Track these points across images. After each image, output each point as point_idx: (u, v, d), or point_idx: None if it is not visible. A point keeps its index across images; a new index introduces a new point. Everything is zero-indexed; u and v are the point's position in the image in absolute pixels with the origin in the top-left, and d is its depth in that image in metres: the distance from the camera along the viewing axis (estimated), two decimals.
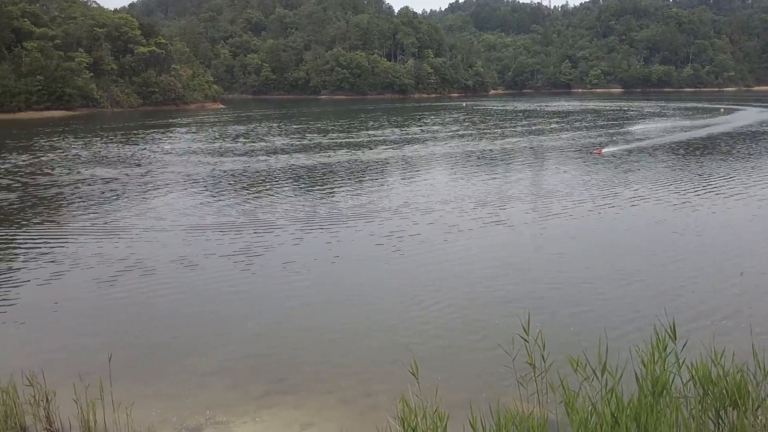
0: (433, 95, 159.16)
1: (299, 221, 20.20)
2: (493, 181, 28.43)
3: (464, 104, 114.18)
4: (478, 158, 37.22)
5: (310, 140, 48.67)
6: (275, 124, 66.03)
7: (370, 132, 56.03)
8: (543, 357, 5.47)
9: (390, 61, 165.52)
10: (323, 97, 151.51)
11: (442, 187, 26.74)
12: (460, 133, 55.04)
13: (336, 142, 46.52)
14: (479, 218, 20.45)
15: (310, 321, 11.80)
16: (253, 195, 25.44)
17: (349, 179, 29.55)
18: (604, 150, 38.81)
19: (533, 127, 60.46)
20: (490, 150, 41.22)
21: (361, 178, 29.58)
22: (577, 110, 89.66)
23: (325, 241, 17.87)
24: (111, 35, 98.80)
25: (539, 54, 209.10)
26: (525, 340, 5.40)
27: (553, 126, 61.87)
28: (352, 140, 48.26)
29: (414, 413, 4.87)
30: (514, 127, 61.74)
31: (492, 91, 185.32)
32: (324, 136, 52.51)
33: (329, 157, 37.77)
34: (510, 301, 12.72)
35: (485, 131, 56.50)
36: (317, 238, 18.26)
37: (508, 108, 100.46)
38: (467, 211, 21.60)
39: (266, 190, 26.55)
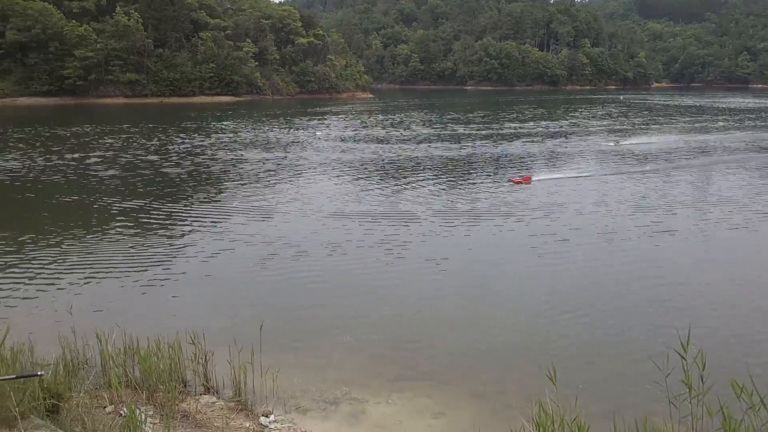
0: (587, 87, 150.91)
1: (440, 213, 20.25)
2: (651, 182, 26.30)
3: (621, 97, 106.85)
4: (634, 156, 34.64)
5: (453, 131, 48.58)
6: (421, 114, 66.82)
7: (515, 124, 54.59)
8: (701, 378, 4.95)
9: (542, 51, 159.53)
10: (469, 87, 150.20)
11: (592, 187, 25.29)
12: (614, 127, 51.62)
13: (480, 134, 45.94)
14: (635, 222, 19.01)
15: (446, 313, 11.81)
16: (396, 184, 25.98)
17: (492, 173, 29.06)
18: None
19: (699, 125, 54.95)
20: (649, 148, 38.17)
21: (504, 173, 28.91)
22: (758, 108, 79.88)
23: (463, 235, 17.77)
24: (275, 26, 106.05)
25: (712, 45, 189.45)
26: (682, 357, 4.92)
27: (725, 124, 55.76)
28: (496, 132, 47.37)
29: (551, 419, 4.67)
30: (682, 123, 56.57)
31: (655, 84, 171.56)
32: (468, 126, 52.12)
33: (472, 148, 37.42)
34: (663, 314, 11.71)
35: (643, 126, 52.44)
36: (456, 231, 18.18)
37: (672, 103, 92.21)
38: (621, 214, 20.18)
39: (408, 179, 26.98)
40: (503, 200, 22.26)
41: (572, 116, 65.42)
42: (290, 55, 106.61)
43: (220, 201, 22.38)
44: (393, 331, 10.89)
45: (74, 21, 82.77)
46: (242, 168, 29.65)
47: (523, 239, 17.25)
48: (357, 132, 47.59)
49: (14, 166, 29.03)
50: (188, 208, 20.87)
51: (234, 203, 21.86)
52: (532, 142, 41.22)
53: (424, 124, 54.42)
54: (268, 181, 26.58)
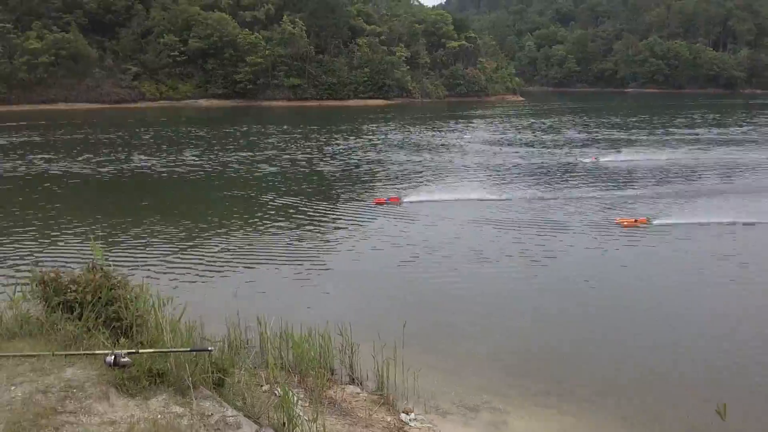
0: None
1: (593, 225, 19.12)
2: None
3: None
4: None
5: (611, 136, 45.68)
6: (575, 118, 63.78)
7: (682, 130, 49.95)
8: None
9: (716, 50, 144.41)
10: (630, 90, 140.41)
11: None
12: None
13: (644, 140, 42.69)
14: None
15: (593, 330, 11.14)
16: (544, 191, 25.02)
17: (660, 183, 26.84)
18: None
19: None
20: None
21: (670, 181, 26.56)
22: None
23: (614, 249, 16.63)
24: (427, 30, 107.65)
25: None
26: None
27: None
28: (659, 138, 43.69)
29: None
30: None
31: None
32: (630, 131, 48.69)
33: (633, 155, 34.86)
34: None
35: None
36: (609, 245, 17.05)
37: None
38: None
39: (558, 187, 25.85)
40: (676, 210, 20.45)
41: (757, 123, 58.36)
42: (441, 58, 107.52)
43: (367, 200, 23.16)
44: (536, 344, 10.49)
45: (246, 30, 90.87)
46: (390, 169, 30.47)
47: (682, 257, 15.71)
48: (505, 136, 46.69)
49: (194, 161, 32.53)
50: (339, 207, 21.89)
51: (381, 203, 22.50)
52: (706, 150, 37.40)
53: (578, 129, 51.86)
54: (414, 182, 27.00)
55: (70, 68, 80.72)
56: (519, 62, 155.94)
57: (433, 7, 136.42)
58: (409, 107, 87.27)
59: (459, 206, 21.49)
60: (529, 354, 10.07)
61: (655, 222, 18.81)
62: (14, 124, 53.13)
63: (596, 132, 49.05)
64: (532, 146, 39.72)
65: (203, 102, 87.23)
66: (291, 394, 5.90)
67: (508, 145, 40.66)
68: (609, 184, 26.40)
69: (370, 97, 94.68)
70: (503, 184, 26.39)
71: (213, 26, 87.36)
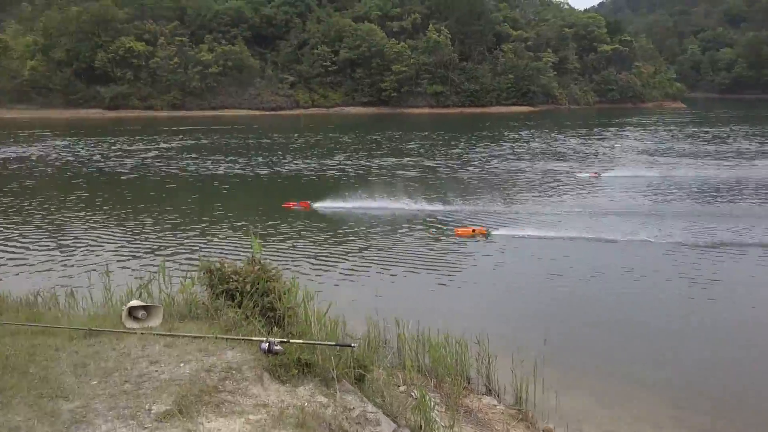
0: None
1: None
2: None
3: None
4: None
5: None
6: (747, 128, 57.25)
7: None
8: None
9: None
10: None
11: None
12: None
13: None
14: None
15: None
16: (712, 208, 22.70)
17: None
18: None
19: None
20: None
21: None
22: None
23: None
24: (578, 35, 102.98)
25: None
26: None
27: None
28: None
29: None
30: None
31: None
32: None
33: None
34: None
35: None
36: None
37: None
38: None
39: (729, 203, 23.35)
40: None
41: None
42: (592, 63, 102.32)
43: (506, 210, 22.62)
44: (697, 373, 9.51)
45: (393, 39, 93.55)
46: (530, 177, 29.52)
47: None
48: (662, 145, 43.15)
49: (340, 165, 34.11)
50: (478, 215, 21.64)
51: (517, 211, 21.86)
52: None
53: (750, 139, 46.49)
54: (556, 192, 25.91)
55: (235, 78, 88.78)
56: (680, 66, 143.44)
57: (585, 10, 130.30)
58: (554, 114, 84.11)
59: (615, 219, 20.24)
60: (689, 387, 9.15)
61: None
62: (187, 128, 59.51)
63: None
64: (697, 158, 36.30)
65: (350, 109, 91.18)
66: (427, 397, 5.92)
67: (669, 155, 37.53)
68: None
69: (513, 104, 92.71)
70: (664, 198, 24.40)
71: (362, 37, 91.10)
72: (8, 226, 19.40)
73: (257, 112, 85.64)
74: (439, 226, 19.72)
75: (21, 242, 17.26)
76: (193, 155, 38.66)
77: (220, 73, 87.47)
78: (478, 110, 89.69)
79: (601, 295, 13.28)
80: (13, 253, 15.97)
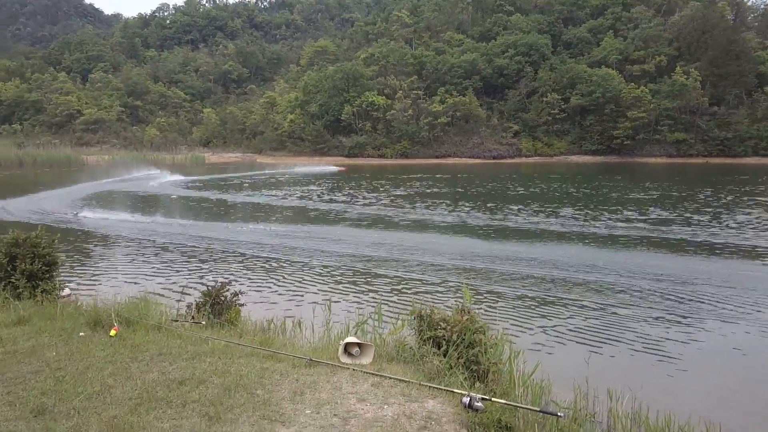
0: None
1: None
2: None
3: None
4: None
5: None
6: None
7: None
8: None
9: None
10: None
11: None
12: None
13: None
14: None
15: None
16: None
17: None
18: None
19: None
20: None
21: None
22: None
23: None
24: None
25: None
26: None
27: None
28: None
29: None
30: None
31: None
32: None
33: None
34: None
35: None
36: None
37: None
38: None
39: None
40: None
41: None
42: None
43: (738, 284, 19.36)
44: None
45: (632, 83, 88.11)
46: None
47: None
48: None
49: (563, 219, 32.91)
50: (710, 293, 18.92)
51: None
52: None
53: None
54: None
55: (461, 127, 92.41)
56: None
57: None
58: None
59: None
60: None
61: None
62: (415, 176, 63.33)
63: None
64: None
65: (574, 158, 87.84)
66: None
67: None
68: None
69: None
70: None
71: (597, 82, 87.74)
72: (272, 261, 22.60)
73: (478, 161, 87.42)
74: (660, 297, 17.70)
75: (261, 274, 19.94)
76: (410, 201, 40.88)
77: (448, 123, 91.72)
78: (729, 161, 79.11)
79: None
80: (257, 282, 18.54)
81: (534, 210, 35.75)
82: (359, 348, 6.77)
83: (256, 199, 41.90)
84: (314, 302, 14.47)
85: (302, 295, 16.77)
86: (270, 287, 17.63)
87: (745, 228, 28.82)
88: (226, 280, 11.51)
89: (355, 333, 7.96)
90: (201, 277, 17.95)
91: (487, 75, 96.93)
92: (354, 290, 17.86)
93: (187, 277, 18.36)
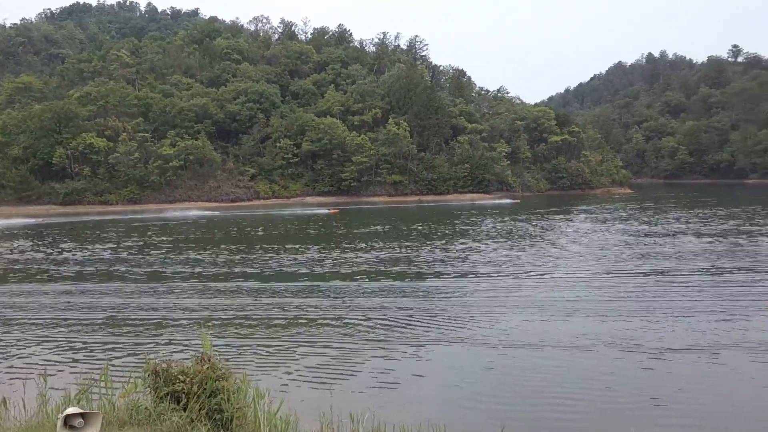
0: None
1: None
2: None
3: None
4: None
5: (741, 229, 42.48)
6: (695, 211, 60.19)
7: None
8: None
9: None
10: (751, 181, 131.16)
11: None
12: None
13: None
14: None
15: None
16: (666, 284, 23.44)
17: None
18: None
19: None
20: None
21: None
22: None
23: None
24: (529, 126, 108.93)
25: None
26: None
27: None
28: None
29: None
30: None
31: None
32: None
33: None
34: None
35: None
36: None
37: None
38: None
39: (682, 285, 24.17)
40: None
41: None
42: (542, 152, 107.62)
43: (451, 299, 22.81)
44: None
45: (354, 132, 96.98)
46: (498, 259, 30.05)
47: None
48: (610, 226, 44.84)
49: (294, 260, 34.04)
50: (426, 299, 21.73)
51: (473, 298, 22.08)
52: None
53: (698, 221, 48.78)
54: (527, 274, 26.38)
55: (195, 171, 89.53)
56: (626, 154, 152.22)
57: (536, 104, 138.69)
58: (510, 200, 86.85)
59: (557, 301, 20.62)
60: None
61: None
62: (141, 225, 58.89)
63: (718, 224, 45.80)
64: (643, 236, 37.76)
65: (309, 199, 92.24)
66: None
67: (618, 234, 38.97)
68: None
69: (469, 191, 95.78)
70: (619, 271, 25.11)
71: (324, 130, 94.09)
72: None
73: (215, 204, 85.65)
74: (391, 318, 19.67)
75: None
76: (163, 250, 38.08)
77: (181, 167, 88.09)
78: (436, 197, 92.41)
79: (549, 375, 13.26)
80: None
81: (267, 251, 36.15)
82: (83, 419, 5.96)
83: None
84: (22, 376, 12.29)
85: (4, 370, 14.14)
86: None
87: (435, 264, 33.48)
88: None
89: (78, 402, 6.99)
90: None
91: (219, 119, 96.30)
92: (74, 353, 15.70)
93: None
